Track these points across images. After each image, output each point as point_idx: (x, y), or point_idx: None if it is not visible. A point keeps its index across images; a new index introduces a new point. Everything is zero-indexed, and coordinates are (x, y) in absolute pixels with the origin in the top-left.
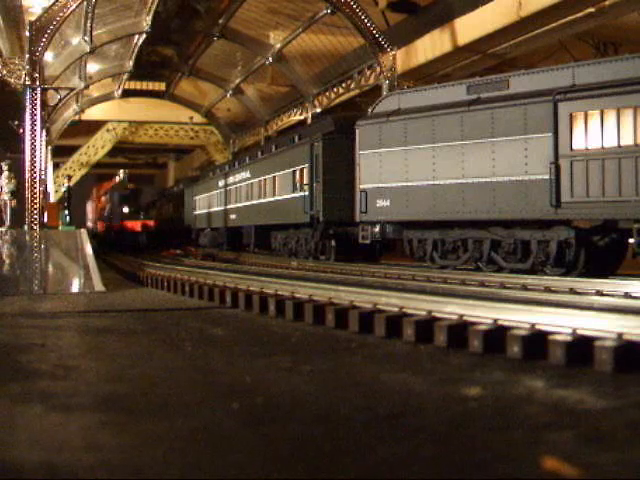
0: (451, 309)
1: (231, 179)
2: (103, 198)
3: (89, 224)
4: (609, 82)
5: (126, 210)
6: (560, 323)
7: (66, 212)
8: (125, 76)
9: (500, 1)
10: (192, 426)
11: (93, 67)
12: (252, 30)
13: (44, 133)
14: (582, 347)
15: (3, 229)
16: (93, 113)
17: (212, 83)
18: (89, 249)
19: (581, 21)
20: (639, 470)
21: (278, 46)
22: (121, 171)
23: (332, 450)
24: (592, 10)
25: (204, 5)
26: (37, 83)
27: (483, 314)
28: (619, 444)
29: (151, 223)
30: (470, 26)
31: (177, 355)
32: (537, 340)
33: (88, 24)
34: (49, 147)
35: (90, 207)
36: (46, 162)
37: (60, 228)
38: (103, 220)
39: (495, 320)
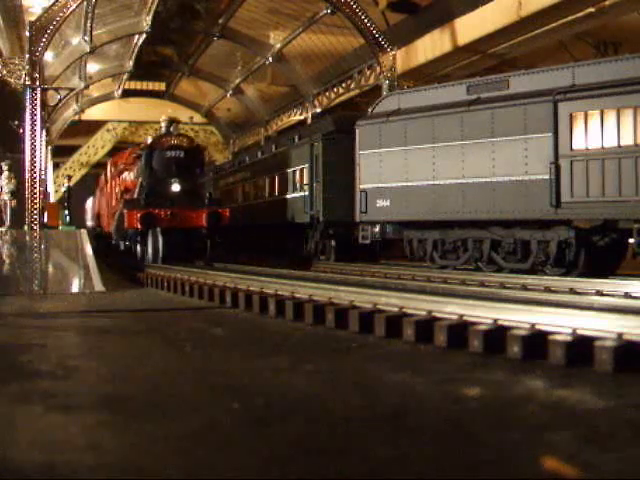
0: (451, 309)
1: None
2: (128, 174)
3: (102, 221)
4: (609, 82)
5: (178, 188)
6: (560, 323)
7: (66, 212)
8: (125, 76)
9: (500, 1)
10: (192, 426)
11: (93, 67)
12: (252, 30)
13: (44, 133)
14: (582, 347)
15: (3, 229)
16: (93, 113)
17: (212, 83)
18: (89, 249)
19: (581, 21)
20: (639, 470)
21: (278, 46)
22: (163, 119)
23: (332, 450)
24: (592, 10)
25: (204, 5)
26: (37, 83)
27: (483, 314)
28: (619, 444)
29: (225, 213)
30: (470, 26)
31: (177, 355)
32: (537, 340)
33: (88, 24)
34: (49, 147)
35: (100, 196)
36: (46, 162)
37: (60, 228)
38: (133, 208)
39: (495, 320)
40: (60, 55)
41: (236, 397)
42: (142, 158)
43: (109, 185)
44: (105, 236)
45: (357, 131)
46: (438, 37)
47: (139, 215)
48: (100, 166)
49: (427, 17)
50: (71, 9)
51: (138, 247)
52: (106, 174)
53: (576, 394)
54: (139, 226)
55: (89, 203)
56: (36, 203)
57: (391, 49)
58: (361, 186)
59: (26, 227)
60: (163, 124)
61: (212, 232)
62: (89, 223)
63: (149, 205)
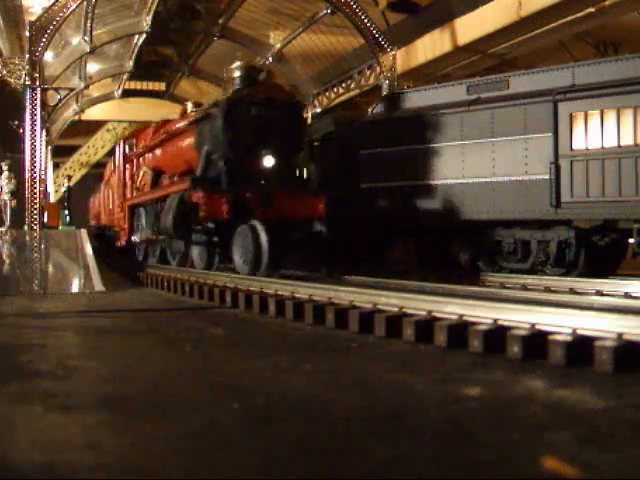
0: (451, 309)
1: None
2: (167, 148)
3: (107, 218)
4: (609, 82)
5: (271, 163)
6: (560, 323)
7: (66, 212)
8: (125, 76)
9: (500, 1)
10: (192, 426)
11: (93, 67)
12: (252, 30)
13: (44, 133)
14: (582, 347)
15: (3, 229)
16: (93, 113)
17: (212, 83)
18: (89, 249)
19: (581, 21)
20: (638, 470)
21: (278, 46)
22: (237, 65)
23: (332, 450)
24: (592, 10)
25: (204, 5)
26: (37, 83)
27: (483, 314)
28: (619, 444)
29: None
30: (470, 26)
31: (177, 355)
32: (537, 340)
33: (88, 24)
34: (49, 147)
35: (106, 189)
36: (46, 162)
37: (60, 228)
38: (210, 189)
39: (495, 320)
40: (60, 55)
41: (236, 397)
42: (216, 119)
43: (124, 171)
44: (110, 236)
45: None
46: (438, 37)
47: (227, 200)
48: (101, 166)
49: (427, 17)
50: (71, 9)
51: (195, 251)
52: (115, 160)
53: (576, 394)
54: (226, 216)
55: (91, 202)
56: (36, 203)
57: (391, 49)
58: (361, 186)
59: (26, 227)
60: (237, 73)
61: (333, 227)
62: (92, 222)
63: (233, 186)
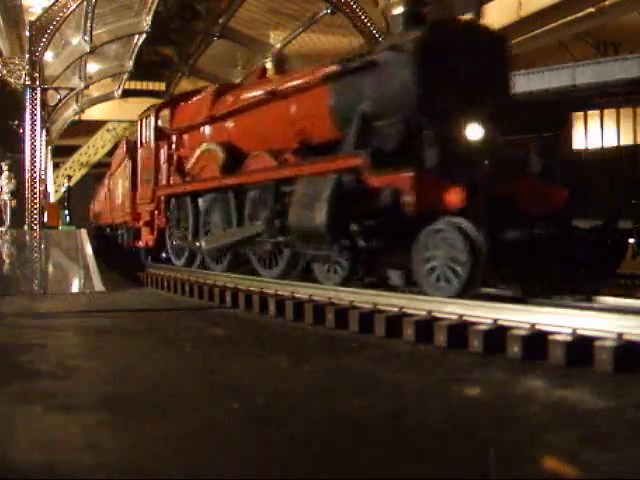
0: (451, 309)
1: None
2: (267, 114)
3: (116, 213)
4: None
5: (480, 134)
6: (560, 323)
7: (66, 212)
8: (125, 76)
9: (500, 1)
10: (192, 426)
11: (93, 67)
12: (252, 30)
13: (44, 133)
14: (582, 347)
15: (3, 229)
16: (93, 113)
17: (212, 83)
18: (89, 249)
19: (581, 21)
20: (639, 470)
21: (278, 46)
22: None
23: (332, 450)
24: (592, 10)
25: (204, 5)
26: (37, 83)
27: (483, 314)
28: (619, 444)
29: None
30: None
31: (177, 355)
32: (537, 340)
33: (88, 24)
34: (49, 147)
35: (112, 183)
36: (46, 162)
37: (60, 228)
38: (424, 172)
39: (495, 320)
40: (60, 55)
41: (236, 397)
42: (392, 67)
43: (157, 151)
44: (113, 235)
45: None
46: None
47: (460, 184)
48: (101, 166)
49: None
50: (71, 9)
51: (340, 263)
52: (142, 137)
53: (576, 394)
54: (461, 204)
55: (93, 201)
56: (36, 203)
57: None
58: None
59: (26, 227)
60: (399, 10)
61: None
62: (94, 222)
63: (446, 165)
